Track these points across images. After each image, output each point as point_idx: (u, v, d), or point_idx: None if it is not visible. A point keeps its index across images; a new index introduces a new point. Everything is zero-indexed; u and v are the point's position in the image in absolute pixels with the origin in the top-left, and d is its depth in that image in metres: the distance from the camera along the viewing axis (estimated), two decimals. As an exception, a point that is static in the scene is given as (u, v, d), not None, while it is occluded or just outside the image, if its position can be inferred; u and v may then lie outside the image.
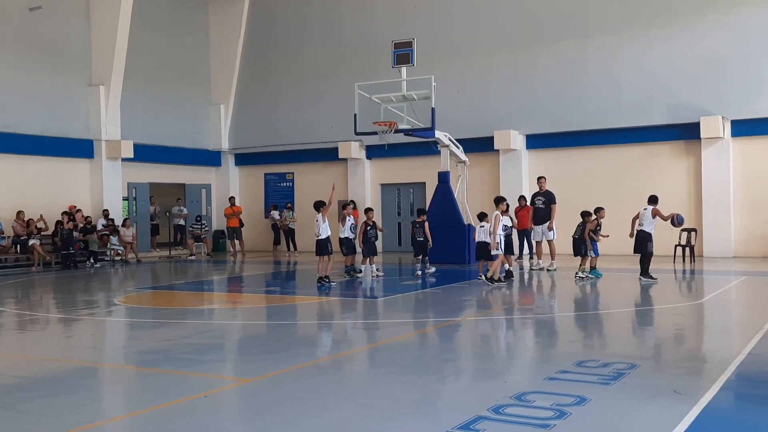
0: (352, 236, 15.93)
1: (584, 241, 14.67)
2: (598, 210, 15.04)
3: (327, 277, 14.72)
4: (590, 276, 14.67)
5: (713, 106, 19.89)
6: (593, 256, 14.85)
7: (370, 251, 16.10)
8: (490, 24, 23.07)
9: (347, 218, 15.76)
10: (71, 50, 23.01)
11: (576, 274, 14.79)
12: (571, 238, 15.05)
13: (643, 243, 14.02)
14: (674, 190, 20.71)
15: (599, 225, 14.91)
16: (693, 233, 19.10)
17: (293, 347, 8.73)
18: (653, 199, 14.28)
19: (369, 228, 16.14)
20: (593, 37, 21.60)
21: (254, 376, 7.13)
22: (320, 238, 14.74)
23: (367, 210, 16.82)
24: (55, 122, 22.38)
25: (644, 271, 14.10)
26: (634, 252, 14.25)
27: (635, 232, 14.16)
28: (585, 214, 14.85)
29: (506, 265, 14.79)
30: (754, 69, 19.59)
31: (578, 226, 14.90)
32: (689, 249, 18.71)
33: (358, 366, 7.89)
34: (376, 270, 16.21)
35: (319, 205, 14.92)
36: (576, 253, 14.92)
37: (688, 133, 20.33)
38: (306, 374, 7.15)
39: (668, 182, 20.75)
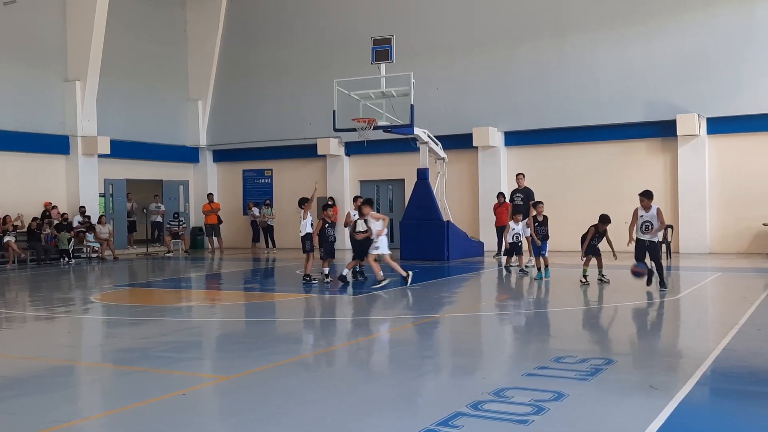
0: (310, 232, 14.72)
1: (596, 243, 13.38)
2: (537, 204, 14.74)
3: (308, 275, 14.39)
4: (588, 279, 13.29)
5: (689, 104, 20.08)
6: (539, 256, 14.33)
7: (327, 252, 14.29)
8: (469, 21, 23.12)
9: (308, 213, 14.66)
10: (47, 45, 22.76)
11: (598, 276, 13.54)
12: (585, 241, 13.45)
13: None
14: (651, 187, 20.69)
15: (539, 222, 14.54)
16: (669, 230, 19.27)
17: (272, 345, 8.71)
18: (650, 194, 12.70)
19: (327, 226, 14.28)
20: (571, 35, 21.72)
21: (233, 374, 7.09)
22: (301, 234, 14.58)
23: (326, 206, 14.90)
24: (31, 118, 22.12)
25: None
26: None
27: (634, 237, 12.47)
28: (604, 219, 13.47)
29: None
30: (729, 67, 19.81)
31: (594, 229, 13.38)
32: (665, 245, 18.86)
33: (337, 363, 7.88)
34: (325, 275, 14.16)
35: (302, 202, 14.67)
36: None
37: (664, 130, 20.51)
38: (285, 371, 7.13)
39: (645, 179, 20.88)
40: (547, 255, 14.72)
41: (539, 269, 14.44)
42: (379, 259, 13.56)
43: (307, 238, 14.48)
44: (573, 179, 21.54)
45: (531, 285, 13.98)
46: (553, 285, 13.87)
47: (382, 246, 13.48)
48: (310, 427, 5.39)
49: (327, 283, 13.98)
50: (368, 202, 14.04)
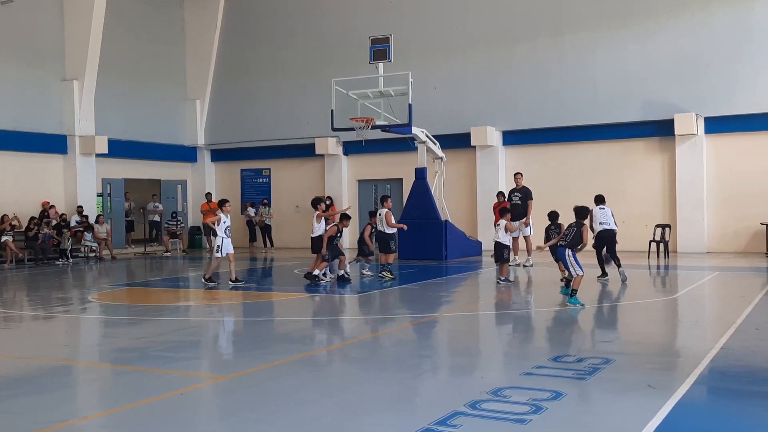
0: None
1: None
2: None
3: (316, 275, 14.31)
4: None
5: (687, 103, 20.09)
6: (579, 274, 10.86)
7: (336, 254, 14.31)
8: (467, 21, 23.12)
9: (321, 218, 14.59)
10: (45, 44, 22.73)
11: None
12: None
13: (612, 241, 13.65)
14: (648, 187, 20.95)
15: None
16: (667, 229, 19.29)
17: (269, 344, 8.70)
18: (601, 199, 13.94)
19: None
20: (569, 34, 21.72)
21: (230, 373, 7.09)
22: (313, 235, 14.51)
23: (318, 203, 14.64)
24: (28, 117, 22.09)
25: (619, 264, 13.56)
26: (608, 251, 13.58)
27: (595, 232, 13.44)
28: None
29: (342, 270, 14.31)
30: (726, 67, 19.81)
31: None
32: (663, 245, 18.90)
33: (335, 362, 7.87)
34: (323, 275, 14.29)
35: (315, 202, 14.57)
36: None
37: (662, 129, 20.52)
38: (282, 371, 7.12)
39: (643, 178, 20.98)
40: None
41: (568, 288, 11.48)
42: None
43: (320, 239, 14.26)
44: (571, 178, 21.53)
45: (529, 285, 13.97)
46: (550, 285, 13.85)
47: (225, 247, 13.98)
48: (307, 427, 5.38)
49: (321, 282, 14.06)
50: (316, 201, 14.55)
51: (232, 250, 14.20)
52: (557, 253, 11.54)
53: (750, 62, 19.55)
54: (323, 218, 14.41)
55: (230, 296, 13.25)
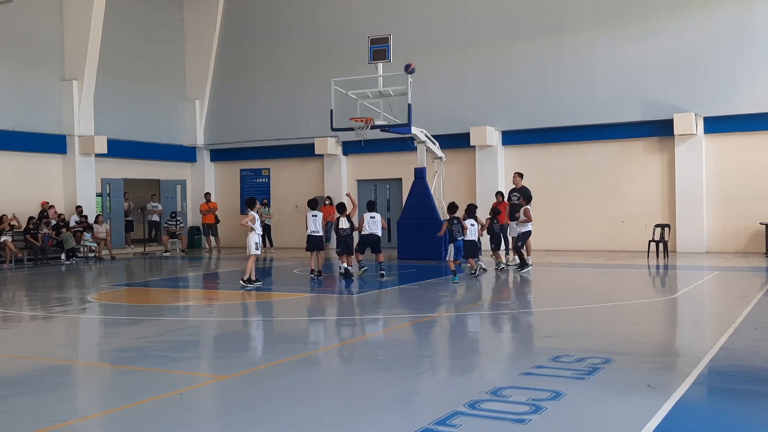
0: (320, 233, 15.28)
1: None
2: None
3: (320, 271, 15.05)
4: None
5: (686, 103, 20.10)
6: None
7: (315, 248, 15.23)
8: (466, 21, 23.12)
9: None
10: (44, 44, 22.72)
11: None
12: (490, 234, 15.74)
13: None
14: (648, 186, 20.95)
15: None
16: (666, 229, 19.29)
17: (269, 344, 8.70)
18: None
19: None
20: (568, 34, 21.72)
21: (230, 373, 7.09)
22: (315, 234, 14.94)
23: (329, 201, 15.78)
24: (27, 117, 22.09)
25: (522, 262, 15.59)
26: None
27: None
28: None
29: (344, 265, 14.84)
30: (726, 66, 19.82)
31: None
32: (663, 245, 18.90)
33: (334, 362, 7.87)
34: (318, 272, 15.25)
35: (313, 204, 15.20)
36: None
37: (661, 129, 20.53)
38: (282, 371, 7.12)
39: (642, 178, 20.99)
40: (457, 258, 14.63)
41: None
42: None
43: (321, 237, 15.23)
44: (570, 178, 21.55)
45: (527, 285, 13.97)
46: (549, 284, 13.87)
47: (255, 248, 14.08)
48: (306, 427, 5.38)
49: (314, 279, 14.86)
50: (340, 207, 15.26)
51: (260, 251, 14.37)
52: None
53: (749, 62, 19.56)
54: (319, 218, 15.06)
55: (230, 296, 13.24)
